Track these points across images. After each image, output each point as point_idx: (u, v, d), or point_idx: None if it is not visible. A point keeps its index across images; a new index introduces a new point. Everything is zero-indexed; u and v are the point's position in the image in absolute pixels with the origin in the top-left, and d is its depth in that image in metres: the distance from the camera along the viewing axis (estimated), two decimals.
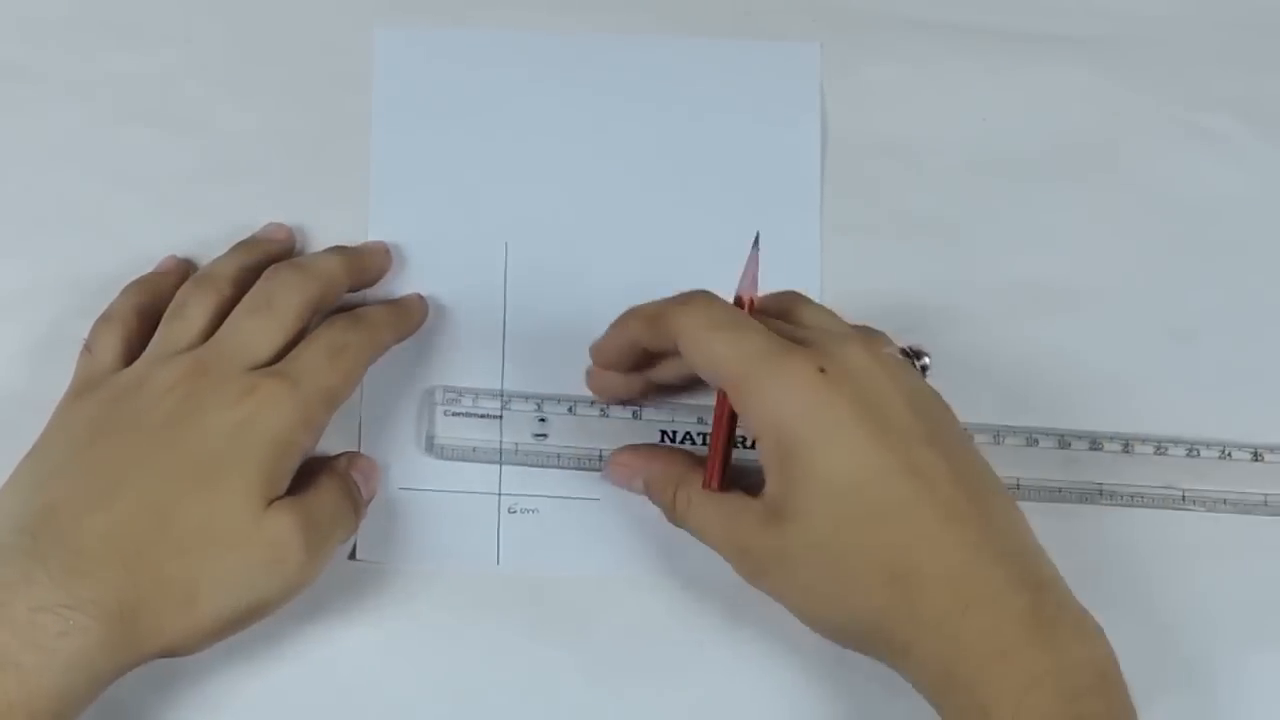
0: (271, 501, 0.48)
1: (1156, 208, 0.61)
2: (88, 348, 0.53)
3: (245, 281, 0.54)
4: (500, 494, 0.56)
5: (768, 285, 0.52)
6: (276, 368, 0.50)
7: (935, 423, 0.48)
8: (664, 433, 0.56)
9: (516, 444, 0.56)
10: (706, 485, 0.50)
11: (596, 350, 0.54)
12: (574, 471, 0.56)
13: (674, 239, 0.60)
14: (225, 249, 0.58)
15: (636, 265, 0.59)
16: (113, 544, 0.46)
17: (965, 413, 0.56)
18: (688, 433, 0.56)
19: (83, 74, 0.62)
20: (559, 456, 0.56)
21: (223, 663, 0.52)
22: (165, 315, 0.53)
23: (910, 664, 0.46)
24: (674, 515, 0.51)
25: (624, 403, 0.55)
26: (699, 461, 0.52)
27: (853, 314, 0.55)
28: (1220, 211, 0.61)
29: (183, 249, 0.59)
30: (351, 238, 0.59)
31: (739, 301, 0.50)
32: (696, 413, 0.56)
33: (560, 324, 0.58)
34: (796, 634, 0.53)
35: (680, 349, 0.49)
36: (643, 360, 0.53)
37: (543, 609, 0.54)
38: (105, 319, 0.54)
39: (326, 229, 0.59)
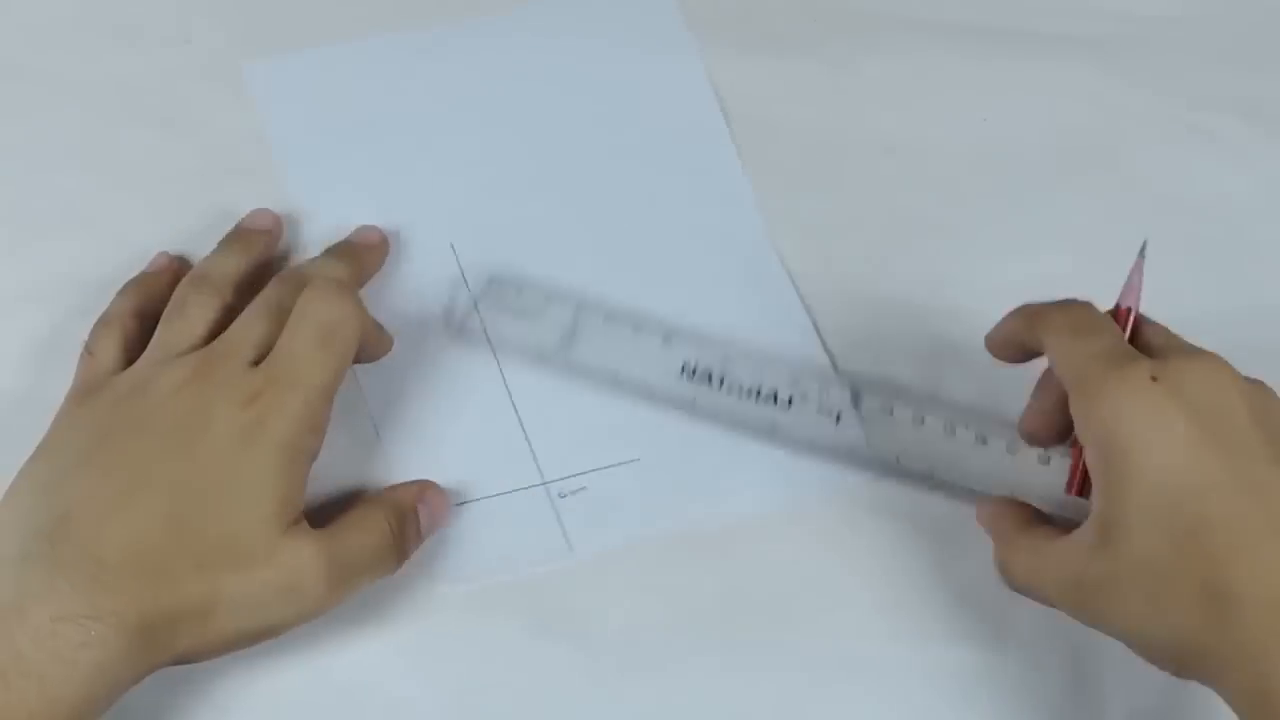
0: (293, 523, 0.48)
1: (1156, 207, 0.62)
2: (88, 350, 0.54)
3: (243, 284, 0.54)
4: (545, 483, 0.55)
5: (701, 227, 0.54)
6: (273, 371, 0.50)
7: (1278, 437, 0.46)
8: (684, 365, 0.54)
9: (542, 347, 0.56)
10: (1068, 490, 0.50)
11: (987, 339, 0.53)
12: (605, 430, 0.55)
13: (600, 197, 0.61)
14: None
15: (573, 232, 0.60)
16: (133, 555, 0.46)
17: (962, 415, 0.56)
18: (709, 371, 0.54)
19: (83, 74, 0.62)
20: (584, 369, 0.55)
21: (229, 666, 0.52)
22: (164, 315, 0.53)
23: (1227, 686, 0.44)
24: (1007, 578, 0.50)
25: (1062, 441, 0.53)
26: (1034, 516, 0.51)
27: (852, 314, 0.54)
28: (1220, 211, 0.61)
29: (182, 249, 0.59)
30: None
31: (1117, 311, 0.50)
32: (723, 348, 0.55)
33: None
34: (795, 634, 0.53)
35: (1046, 350, 0.49)
36: (1026, 355, 0.52)
37: (544, 609, 0.53)
38: (104, 322, 0.54)
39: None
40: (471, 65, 0.63)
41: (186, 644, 0.47)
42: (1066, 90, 0.64)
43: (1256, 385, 0.47)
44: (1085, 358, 0.47)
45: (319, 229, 0.59)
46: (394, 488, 0.53)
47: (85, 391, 0.52)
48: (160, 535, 0.46)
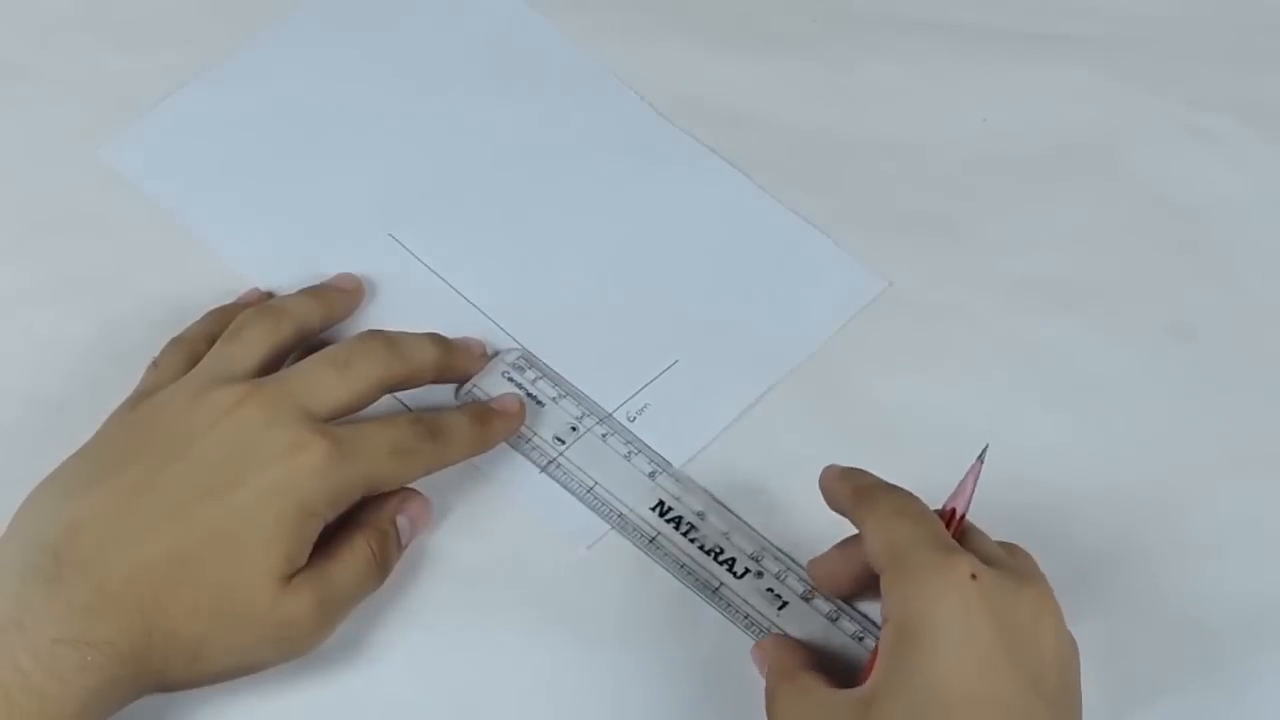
0: (292, 575, 0.48)
1: (1156, 208, 0.62)
2: (154, 363, 0.54)
3: (306, 322, 0.54)
4: (610, 414, 0.56)
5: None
6: (337, 431, 0.49)
7: (1069, 688, 0.45)
8: (660, 502, 0.55)
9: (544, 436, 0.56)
10: (863, 676, 0.47)
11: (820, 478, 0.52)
12: (634, 349, 0.57)
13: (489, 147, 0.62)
14: (221, 250, 0.58)
15: (500, 207, 0.60)
16: (133, 589, 0.46)
17: (962, 414, 0.56)
18: (680, 516, 0.54)
19: (83, 74, 0.62)
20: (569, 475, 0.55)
21: None
22: (222, 337, 0.53)
23: None
24: (773, 708, 0.49)
25: (845, 597, 0.53)
26: (812, 657, 0.51)
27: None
28: (1220, 211, 0.61)
29: (182, 248, 0.59)
30: None
31: (945, 512, 0.48)
32: (704, 502, 0.54)
33: (509, 275, 0.59)
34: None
35: (864, 525, 0.48)
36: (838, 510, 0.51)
37: (544, 609, 0.53)
38: (177, 340, 0.54)
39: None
40: (316, 71, 0.63)
41: (170, 680, 0.47)
42: (1066, 90, 0.64)
43: (1070, 639, 0.46)
44: (908, 539, 0.46)
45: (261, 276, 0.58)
46: (372, 505, 0.52)
47: (138, 399, 0.52)
48: (163, 572, 0.47)
